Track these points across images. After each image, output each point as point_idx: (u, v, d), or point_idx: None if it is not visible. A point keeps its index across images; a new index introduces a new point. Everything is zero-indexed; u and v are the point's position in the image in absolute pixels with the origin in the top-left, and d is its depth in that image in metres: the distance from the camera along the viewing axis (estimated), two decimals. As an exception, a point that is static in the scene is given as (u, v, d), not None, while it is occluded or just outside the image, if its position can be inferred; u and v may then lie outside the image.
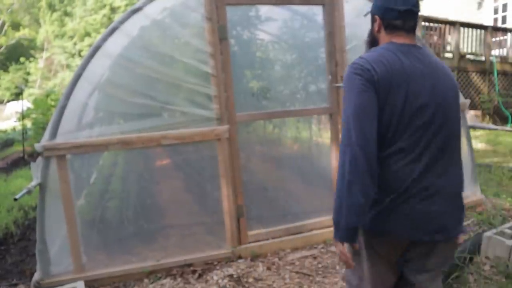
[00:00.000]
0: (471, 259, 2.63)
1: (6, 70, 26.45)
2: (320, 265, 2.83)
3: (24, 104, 9.32)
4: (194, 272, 2.79)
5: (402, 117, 1.41)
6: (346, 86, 1.46)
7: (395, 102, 1.41)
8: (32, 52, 27.52)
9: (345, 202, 1.36)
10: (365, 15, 1.68)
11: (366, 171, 1.35)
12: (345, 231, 1.38)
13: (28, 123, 9.25)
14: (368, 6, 1.67)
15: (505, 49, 11.12)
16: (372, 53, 1.50)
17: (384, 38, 1.57)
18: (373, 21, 1.61)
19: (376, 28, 1.59)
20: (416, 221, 1.42)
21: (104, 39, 2.74)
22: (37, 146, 2.59)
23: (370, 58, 1.46)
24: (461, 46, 10.08)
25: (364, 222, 1.42)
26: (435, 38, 10.02)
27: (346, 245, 1.41)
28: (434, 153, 1.44)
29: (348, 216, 1.35)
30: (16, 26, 27.44)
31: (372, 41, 1.63)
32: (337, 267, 2.78)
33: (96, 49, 2.72)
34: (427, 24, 9.92)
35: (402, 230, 1.43)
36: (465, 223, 3.32)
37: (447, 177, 1.46)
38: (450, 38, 10.23)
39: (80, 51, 24.97)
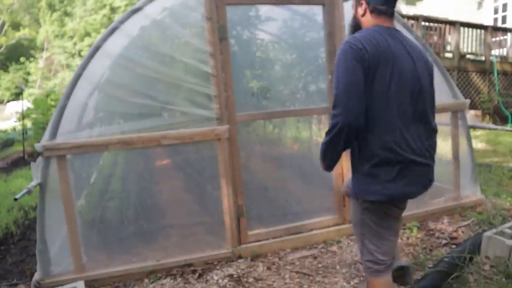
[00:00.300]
0: (471, 259, 2.63)
1: (6, 70, 26.48)
2: (320, 265, 2.83)
3: (24, 104, 9.30)
4: (194, 272, 2.79)
5: (389, 92, 1.58)
6: (338, 64, 1.61)
7: (382, 79, 1.57)
8: (32, 52, 27.53)
9: (329, 152, 1.71)
10: None
11: (346, 139, 1.61)
12: (325, 166, 1.78)
13: (28, 123, 9.24)
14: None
15: (505, 49, 11.13)
16: (363, 33, 1.65)
17: (368, 22, 1.71)
18: (357, 5, 1.73)
19: (361, 13, 1.74)
20: (418, 182, 1.71)
21: (104, 39, 2.74)
22: (37, 146, 2.59)
23: (361, 38, 1.61)
24: (461, 46, 10.08)
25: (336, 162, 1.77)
26: (435, 38, 10.01)
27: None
28: (418, 122, 1.67)
29: (329, 161, 1.75)
30: (16, 26, 27.46)
31: (356, 26, 1.77)
32: (337, 267, 2.78)
33: (96, 49, 2.72)
34: (427, 24, 9.90)
35: (412, 192, 1.71)
36: (465, 223, 3.35)
37: (430, 141, 1.73)
38: (450, 38, 10.23)
39: (80, 51, 24.99)
